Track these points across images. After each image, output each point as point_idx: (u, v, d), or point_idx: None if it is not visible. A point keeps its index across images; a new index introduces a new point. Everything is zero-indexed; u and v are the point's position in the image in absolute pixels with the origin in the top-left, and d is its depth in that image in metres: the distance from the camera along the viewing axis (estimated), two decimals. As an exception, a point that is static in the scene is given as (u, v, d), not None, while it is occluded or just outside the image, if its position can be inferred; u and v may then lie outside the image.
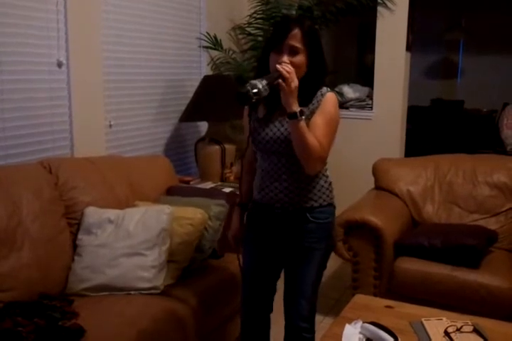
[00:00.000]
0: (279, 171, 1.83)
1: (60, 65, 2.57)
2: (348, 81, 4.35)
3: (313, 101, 1.80)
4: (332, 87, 4.13)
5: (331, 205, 1.92)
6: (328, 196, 1.89)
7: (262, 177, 1.88)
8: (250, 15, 3.91)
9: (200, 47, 3.65)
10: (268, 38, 1.85)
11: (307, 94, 1.78)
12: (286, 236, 1.90)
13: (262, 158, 1.88)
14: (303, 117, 1.68)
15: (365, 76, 4.56)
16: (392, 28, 3.89)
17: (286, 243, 1.90)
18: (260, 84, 1.59)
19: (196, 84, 3.38)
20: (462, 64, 6.89)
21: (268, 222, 1.92)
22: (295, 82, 1.66)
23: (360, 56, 6.17)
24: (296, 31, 1.73)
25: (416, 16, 4.09)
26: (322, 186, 1.87)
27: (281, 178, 1.83)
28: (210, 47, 3.68)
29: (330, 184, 1.91)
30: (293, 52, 1.73)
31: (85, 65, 2.69)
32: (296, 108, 1.66)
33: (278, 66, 1.67)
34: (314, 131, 1.73)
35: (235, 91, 1.62)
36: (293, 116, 1.66)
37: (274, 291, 2.05)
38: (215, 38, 3.66)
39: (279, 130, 1.80)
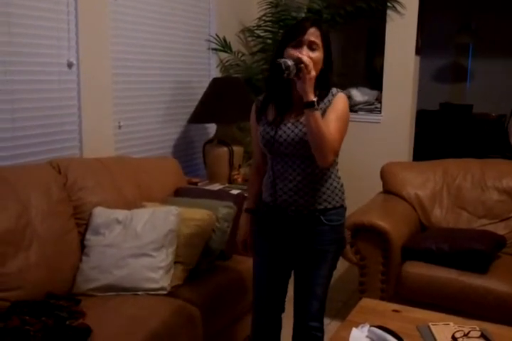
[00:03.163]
0: (293, 173, 1.84)
1: (70, 65, 2.59)
2: (356, 84, 4.35)
3: (324, 101, 1.82)
4: (341, 89, 4.13)
5: (343, 207, 1.93)
6: (340, 197, 1.90)
7: (274, 179, 1.88)
8: (259, 18, 3.92)
9: (209, 49, 3.66)
10: (283, 36, 1.87)
11: (320, 92, 1.81)
12: (298, 238, 1.90)
13: (275, 161, 1.88)
14: (320, 107, 1.72)
15: (373, 79, 4.55)
16: (401, 32, 3.89)
17: (298, 245, 1.91)
18: (289, 62, 1.65)
19: (205, 85, 3.38)
20: (471, 68, 6.88)
21: (280, 224, 1.92)
22: (313, 72, 1.68)
23: (369, 59, 6.17)
24: (315, 30, 1.78)
25: (425, 20, 4.08)
26: (335, 187, 1.88)
27: (296, 180, 1.83)
28: (220, 50, 3.68)
29: (342, 185, 1.92)
30: (312, 47, 1.77)
31: (95, 66, 2.71)
32: (313, 97, 1.69)
33: (299, 54, 1.70)
34: (327, 125, 1.75)
35: (273, 62, 1.71)
36: (310, 104, 1.68)
37: (285, 292, 2.06)
38: (225, 40, 3.67)
39: (293, 131, 1.81)
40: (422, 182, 3.15)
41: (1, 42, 2.26)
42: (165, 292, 2.15)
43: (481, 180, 3.06)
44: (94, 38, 2.68)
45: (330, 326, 2.72)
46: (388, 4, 3.84)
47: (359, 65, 6.14)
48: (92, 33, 2.66)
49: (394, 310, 1.92)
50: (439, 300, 2.46)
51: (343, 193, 1.92)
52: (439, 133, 5.93)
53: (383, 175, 3.25)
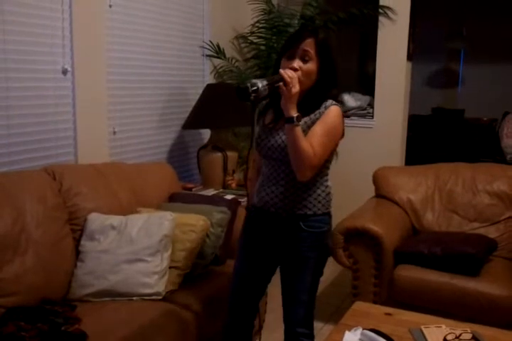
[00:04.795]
0: (277, 177, 1.86)
1: (65, 72, 2.60)
2: (349, 90, 4.38)
3: (315, 113, 1.81)
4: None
5: (327, 214, 1.91)
6: (323, 205, 1.88)
7: (262, 181, 1.92)
8: (253, 25, 3.95)
9: (203, 55, 3.69)
10: (283, 44, 1.88)
11: (312, 104, 1.81)
12: (279, 242, 1.92)
13: (264, 164, 1.92)
14: (299, 123, 1.70)
15: (366, 85, 4.59)
16: (393, 38, 3.93)
17: (280, 249, 1.93)
18: (260, 83, 1.63)
19: (199, 92, 3.41)
20: (463, 73, 6.94)
21: (262, 226, 1.95)
22: (296, 88, 1.68)
23: (362, 65, 6.22)
24: (310, 40, 1.78)
25: (417, 26, 4.13)
26: (319, 195, 1.87)
27: (279, 183, 1.86)
28: (213, 56, 3.71)
29: (328, 194, 1.90)
30: (305, 58, 1.77)
31: (90, 73, 2.73)
32: (294, 113, 1.69)
33: (281, 70, 1.70)
34: (311, 139, 1.75)
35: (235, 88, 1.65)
36: (289, 120, 1.69)
37: (261, 295, 2.08)
38: (218, 46, 3.70)
39: (280, 138, 1.83)
40: (414, 187, 3.18)
41: (-4, 49, 2.28)
42: (160, 297, 2.17)
43: (473, 184, 3.09)
44: (89, 45, 2.70)
45: (323, 330, 2.74)
46: (380, 10, 3.88)
47: (352, 70, 6.19)
48: (86, 40, 2.68)
49: (386, 313, 1.94)
50: (432, 303, 2.48)
51: (327, 201, 1.90)
52: (431, 138, 5.97)
53: (376, 179, 3.28)
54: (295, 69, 1.74)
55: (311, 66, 1.78)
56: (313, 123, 1.80)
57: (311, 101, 1.80)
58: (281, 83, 1.67)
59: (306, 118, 1.79)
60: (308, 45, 1.77)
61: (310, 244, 1.87)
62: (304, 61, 1.77)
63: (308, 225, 1.86)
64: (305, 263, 1.89)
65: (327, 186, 1.90)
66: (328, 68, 1.82)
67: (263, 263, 2.00)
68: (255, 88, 1.61)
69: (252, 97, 1.62)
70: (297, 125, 1.69)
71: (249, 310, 2.07)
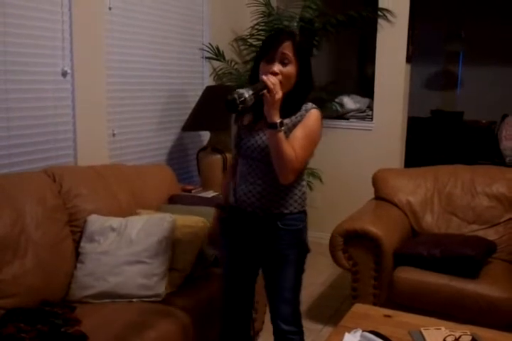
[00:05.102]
0: (255, 176, 1.87)
1: (64, 74, 2.61)
2: (348, 92, 4.39)
3: (296, 115, 1.84)
4: (332, 97, 4.18)
5: (303, 212, 1.94)
6: (299, 204, 1.91)
7: (238, 180, 1.93)
8: (252, 27, 3.96)
9: (202, 57, 3.70)
10: (260, 48, 1.89)
11: (292, 107, 1.82)
12: (258, 241, 1.93)
13: (241, 163, 1.93)
14: (282, 128, 1.72)
15: (365, 87, 4.60)
16: (392, 40, 3.94)
17: (260, 248, 1.94)
18: (247, 93, 1.63)
19: (198, 94, 3.41)
20: (462, 75, 6.94)
21: (241, 225, 1.96)
22: (279, 94, 1.69)
23: (361, 67, 6.23)
24: (289, 43, 1.79)
25: (416, 28, 4.14)
26: (295, 194, 1.89)
27: (256, 183, 1.87)
28: (213, 58, 3.72)
29: (304, 193, 1.94)
30: (284, 61, 1.78)
31: (89, 75, 2.73)
32: (277, 119, 1.70)
33: (264, 77, 1.71)
34: (292, 142, 1.77)
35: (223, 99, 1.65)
36: (273, 126, 1.70)
37: (251, 296, 2.09)
38: (218, 48, 3.71)
39: (261, 138, 1.84)
40: (414, 189, 3.18)
41: (-3, 51, 2.29)
42: (159, 299, 2.17)
43: (472, 186, 3.09)
44: (88, 47, 2.71)
45: (323, 332, 2.74)
46: (379, 13, 3.89)
47: (350, 72, 6.19)
48: (86, 42, 2.69)
49: (386, 315, 1.94)
50: (431, 305, 2.48)
51: (303, 200, 1.93)
52: (430, 140, 5.97)
53: (375, 181, 3.28)
54: (276, 74, 1.76)
55: (291, 69, 1.79)
56: (294, 125, 1.82)
57: (291, 104, 1.81)
58: (265, 91, 1.68)
59: (287, 120, 1.80)
60: (287, 48, 1.78)
61: (288, 242, 1.90)
62: (284, 64, 1.78)
63: (285, 223, 1.88)
64: (285, 260, 1.91)
65: (303, 185, 1.94)
66: (306, 71, 1.85)
67: (245, 265, 2.02)
68: (242, 99, 1.62)
69: (239, 108, 1.64)
70: (280, 130, 1.71)
71: (242, 314, 2.08)
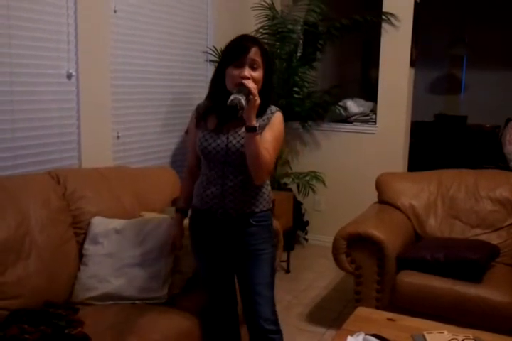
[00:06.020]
0: (226, 179, 1.90)
1: (69, 76, 2.62)
2: (352, 96, 4.40)
3: (263, 118, 1.89)
4: (336, 101, 4.18)
5: (270, 210, 2.01)
6: (267, 202, 1.99)
7: (206, 184, 1.94)
8: (256, 31, 3.97)
9: (206, 61, 3.71)
10: (224, 53, 1.92)
11: (260, 109, 1.84)
12: (230, 240, 1.96)
13: (208, 167, 1.94)
14: (260, 131, 1.79)
15: (369, 91, 4.61)
16: (396, 44, 3.95)
17: (232, 247, 1.96)
18: (242, 99, 1.68)
19: (202, 97, 3.38)
20: (466, 79, 6.95)
21: (210, 228, 1.97)
22: (258, 98, 1.74)
23: (365, 71, 6.24)
24: (256, 49, 1.84)
25: (420, 32, 4.15)
26: (264, 193, 1.97)
27: (227, 185, 1.90)
28: (217, 61, 3.72)
29: (269, 192, 2.02)
30: (253, 66, 1.83)
31: (94, 77, 2.74)
32: (256, 122, 1.75)
33: (245, 82, 1.75)
34: (264, 144, 1.83)
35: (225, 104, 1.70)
36: (252, 129, 1.74)
37: (234, 293, 2.10)
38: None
39: (231, 142, 1.87)
40: (417, 193, 3.18)
41: (2, 53, 2.30)
42: (162, 301, 2.18)
43: (475, 190, 3.09)
44: (93, 50, 2.72)
45: (326, 335, 2.74)
46: (383, 17, 3.90)
47: (355, 76, 6.21)
48: (91, 45, 2.70)
49: (389, 319, 1.94)
50: (434, 309, 2.48)
51: (270, 198, 2.01)
52: (433, 144, 5.97)
53: (378, 185, 3.28)
54: (247, 78, 1.79)
55: (260, 73, 1.85)
56: (262, 128, 1.86)
57: (259, 107, 1.83)
58: (251, 96, 1.72)
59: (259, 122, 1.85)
60: (256, 54, 1.83)
61: (261, 236, 1.95)
62: (253, 69, 1.83)
63: (256, 220, 1.94)
64: (259, 257, 1.95)
65: (268, 184, 2.01)
66: (271, 75, 1.91)
67: (222, 264, 2.03)
68: (242, 105, 1.68)
69: (239, 114, 1.70)
70: (258, 133, 1.77)
71: (227, 314, 2.11)
